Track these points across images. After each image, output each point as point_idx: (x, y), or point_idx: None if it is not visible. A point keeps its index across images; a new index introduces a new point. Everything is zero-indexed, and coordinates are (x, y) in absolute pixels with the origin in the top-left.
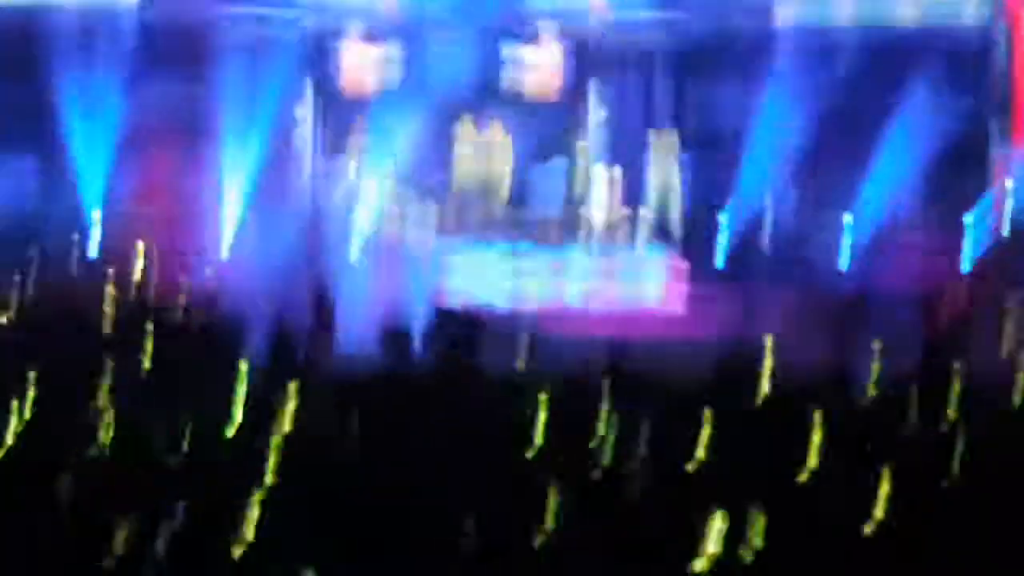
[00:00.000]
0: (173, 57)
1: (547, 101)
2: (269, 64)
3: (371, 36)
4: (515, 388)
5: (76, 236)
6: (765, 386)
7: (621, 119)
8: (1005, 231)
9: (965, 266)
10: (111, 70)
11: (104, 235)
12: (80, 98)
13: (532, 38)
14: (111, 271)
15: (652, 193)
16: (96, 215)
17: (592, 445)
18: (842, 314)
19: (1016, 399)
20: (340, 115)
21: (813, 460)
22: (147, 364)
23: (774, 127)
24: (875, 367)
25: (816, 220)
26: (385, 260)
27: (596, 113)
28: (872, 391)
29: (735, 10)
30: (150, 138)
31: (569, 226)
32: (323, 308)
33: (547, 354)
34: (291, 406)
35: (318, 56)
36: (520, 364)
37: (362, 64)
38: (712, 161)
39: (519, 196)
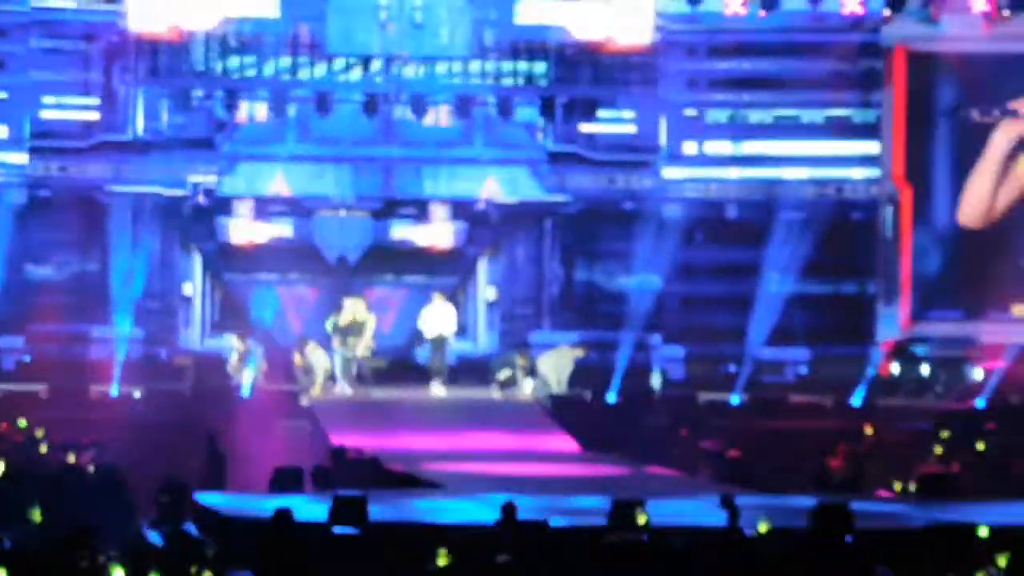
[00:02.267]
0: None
1: (438, 274)
2: (159, 237)
3: (261, 214)
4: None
5: None
6: None
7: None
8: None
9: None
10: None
11: None
12: None
13: (423, 218)
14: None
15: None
16: None
17: None
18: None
19: None
20: (230, 288)
21: None
22: (37, 516)
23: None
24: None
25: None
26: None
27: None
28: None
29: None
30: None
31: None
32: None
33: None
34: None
35: (207, 231)
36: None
37: (252, 240)
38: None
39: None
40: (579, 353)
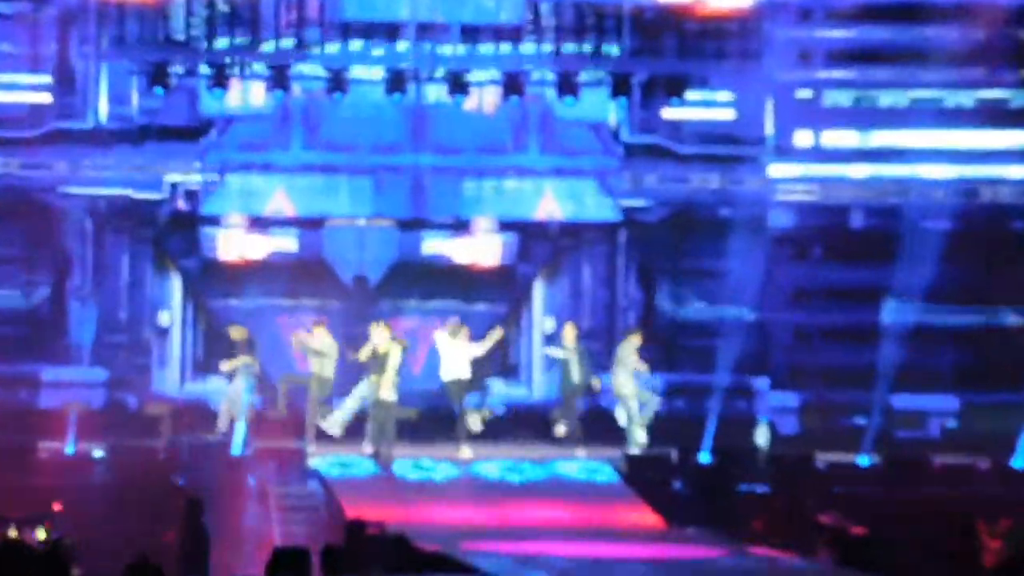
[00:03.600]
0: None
1: (482, 298)
2: (127, 252)
3: (258, 224)
4: None
5: None
6: None
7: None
8: None
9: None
10: None
11: None
12: None
13: (462, 228)
14: None
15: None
16: None
17: None
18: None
19: None
20: (217, 317)
21: None
22: None
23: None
24: None
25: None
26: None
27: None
28: None
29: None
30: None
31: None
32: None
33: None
34: None
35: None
36: None
37: (246, 255)
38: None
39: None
40: (636, 341)
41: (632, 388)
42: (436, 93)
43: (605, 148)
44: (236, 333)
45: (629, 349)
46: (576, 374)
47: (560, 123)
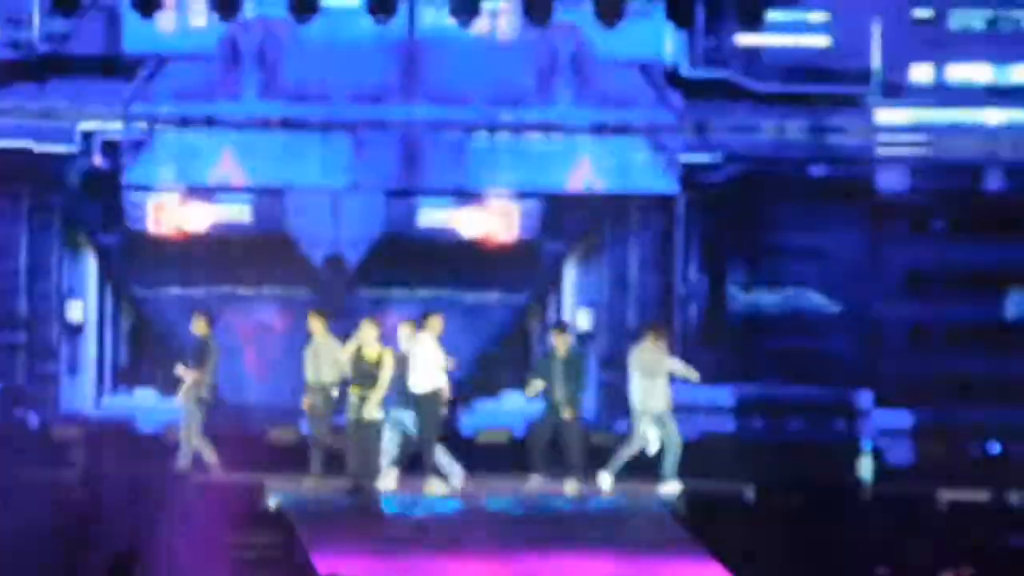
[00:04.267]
0: None
1: (496, 284)
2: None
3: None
4: None
5: None
6: None
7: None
8: None
9: None
10: None
11: None
12: None
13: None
14: None
15: None
16: None
17: None
18: None
19: None
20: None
21: None
22: None
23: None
24: None
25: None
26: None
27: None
28: None
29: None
30: None
31: None
32: None
33: None
34: None
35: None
36: None
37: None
38: None
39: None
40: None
41: (665, 401)
42: (434, 16)
43: (659, 96)
44: (199, 326)
45: (651, 351)
46: (563, 399)
47: (600, 63)
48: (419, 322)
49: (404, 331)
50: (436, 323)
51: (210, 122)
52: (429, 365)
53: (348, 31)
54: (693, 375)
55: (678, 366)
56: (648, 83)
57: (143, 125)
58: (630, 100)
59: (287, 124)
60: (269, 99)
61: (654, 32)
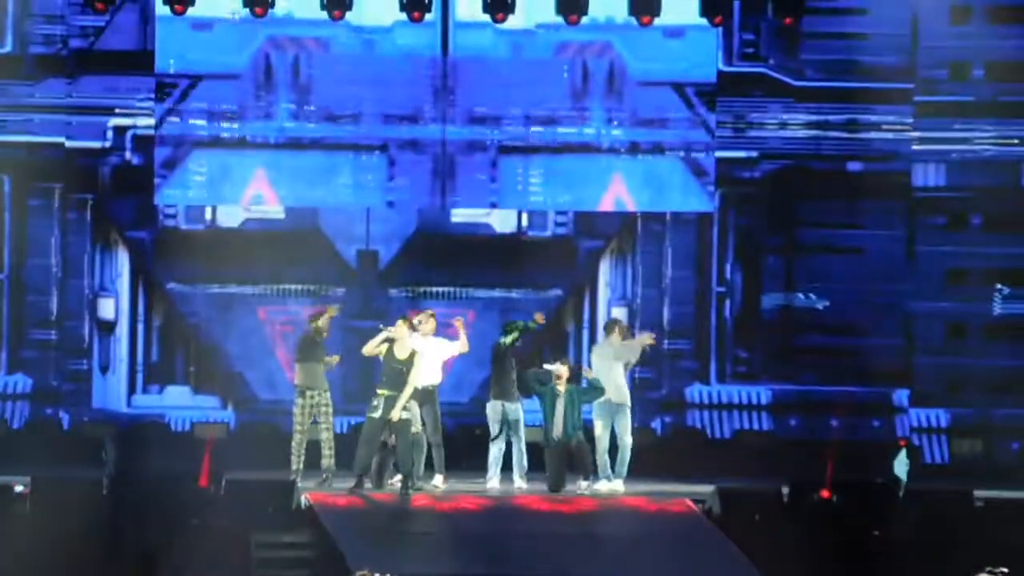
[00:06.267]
0: None
1: (530, 282)
2: (57, 221)
3: None
4: None
5: None
6: None
7: None
8: None
9: None
10: None
11: None
12: None
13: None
14: None
15: None
16: None
17: None
18: None
19: None
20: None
21: None
22: None
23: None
24: None
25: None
26: None
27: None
28: None
29: None
30: None
31: None
32: None
33: None
34: None
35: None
36: None
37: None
38: None
39: None
40: (648, 342)
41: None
42: (468, 10)
43: (693, 114)
44: (322, 321)
45: (606, 346)
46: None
47: (634, 81)
48: (420, 320)
49: (402, 329)
50: (431, 321)
51: (243, 142)
52: (432, 359)
53: (381, 49)
54: (647, 340)
55: (634, 351)
56: (682, 101)
57: (175, 120)
58: (664, 119)
59: (320, 144)
60: (301, 119)
61: (690, 48)
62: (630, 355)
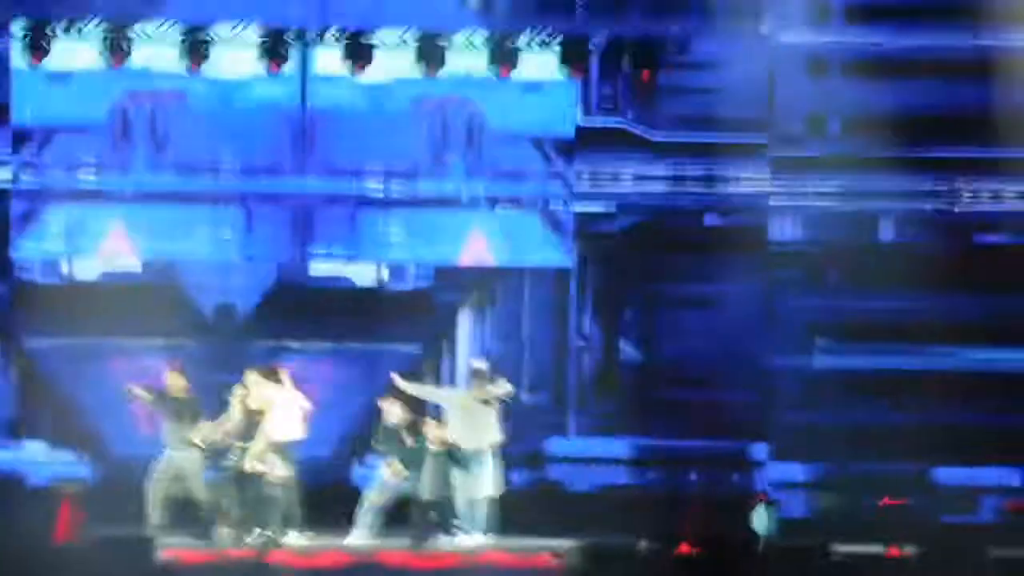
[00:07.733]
0: None
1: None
2: None
3: None
4: None
5: None
6: None
7: None
8: None
9: None
10: None
11: None
12: None
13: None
14: None
15: None
16: None
17: None
18: None
19: None
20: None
21: None
22: None
23: None
24: None
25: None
26: None
27: None
28: None
29: None
30: None
31: None
32: None
33: None
34: None
35: None
36: None
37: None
38: None
39: None
40: (505, 391)
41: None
42: (325, 65)
43: (551, 168)
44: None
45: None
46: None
47: (493, 134)
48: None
49: (257, 379)
50: (285, 375)
51: (100, 195)
52: (292, 412)
53: (239, 101)
54: (504, 389)
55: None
56: (541, 154)
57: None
58: (522, 172)
59: (177, 197)
60: (159, 171)
61: (549, 102)
62: (492, 401)
